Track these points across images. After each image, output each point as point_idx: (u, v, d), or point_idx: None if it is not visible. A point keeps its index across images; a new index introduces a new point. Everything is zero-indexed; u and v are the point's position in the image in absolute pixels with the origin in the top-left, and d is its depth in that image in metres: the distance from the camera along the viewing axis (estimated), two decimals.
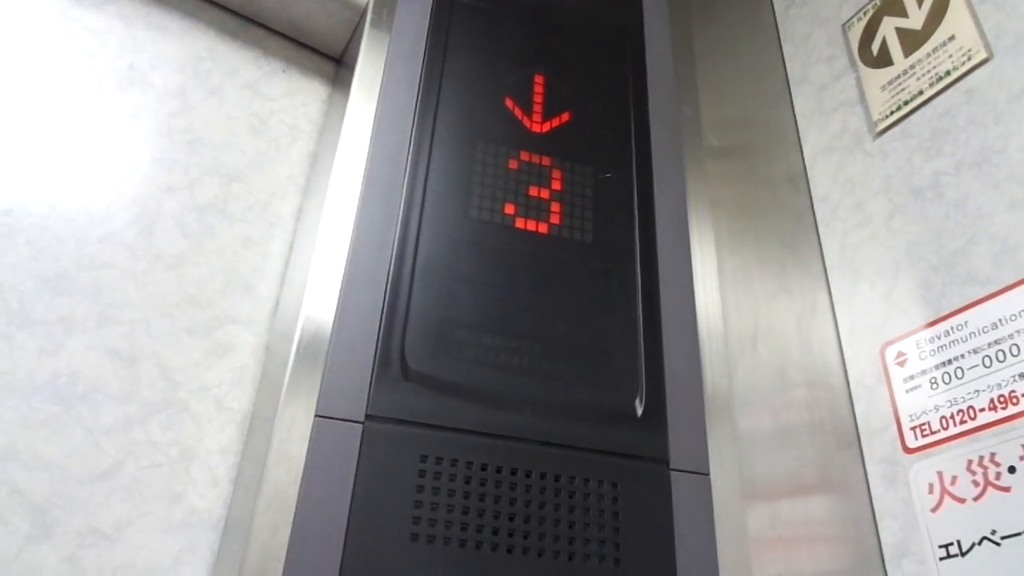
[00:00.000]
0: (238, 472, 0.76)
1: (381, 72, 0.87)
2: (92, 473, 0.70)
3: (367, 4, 0.95)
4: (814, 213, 1.05)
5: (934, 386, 0.84)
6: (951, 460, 0.80)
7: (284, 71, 0.99)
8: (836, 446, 0.89)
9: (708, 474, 0.77)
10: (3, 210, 0.75)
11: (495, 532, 0.67)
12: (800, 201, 1.06)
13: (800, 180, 1.08)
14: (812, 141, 1.09)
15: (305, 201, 0.92)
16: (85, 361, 0.74)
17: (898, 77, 0.98)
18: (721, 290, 0.92)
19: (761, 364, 0.93)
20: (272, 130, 0.94)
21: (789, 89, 1.15)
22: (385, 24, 0.91)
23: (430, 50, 0.91)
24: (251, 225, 0.88)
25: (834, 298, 0.98)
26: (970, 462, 0.78)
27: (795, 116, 1.13)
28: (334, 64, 1.04)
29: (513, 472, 0.71)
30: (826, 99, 1.09)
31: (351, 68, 0.90)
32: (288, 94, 0.98)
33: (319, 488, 0.65)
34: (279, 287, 0.86)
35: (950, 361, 0.83)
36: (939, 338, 0.85)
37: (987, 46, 0.89)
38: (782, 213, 1.06)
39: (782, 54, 1.19)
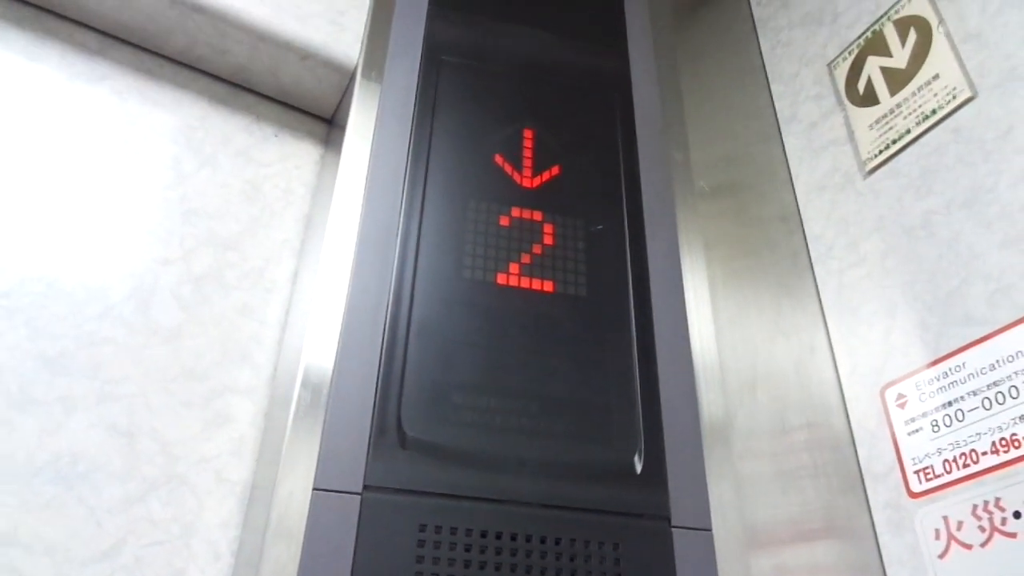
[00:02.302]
0: (239, 545, 0.76)
1: (371, 132, 0.88)
2: (94, 554, 0.71)
3: (356, 66, 0.96)
4: (809, 253, 1.05)
5: (935, 429, 0.83)
6: (956, 505, 0.79)
7: (276, 136, 1.00)
8: (840, 490, 0.89)
9: (710, 529, 0.77)
10: (1, 292, 0.76)
11: None
12: (795, 241, 1.06)
13: (793, 219, 1.08)
14: (804, 180, 1.10)
15: (301, 265, 0.93)
16: (86, 440, 0.74)
17: (885, 116, 0.99)
18: (717, 336, 0.92)
19: (761, 409, 0.93)
20: (266, 196, 0.95)
21: (779, 128, 1.16)
22: (374, 84, 0.92)
23: (419, 109, 0.92)
24: (247, 293, 0.88)
25: (832, 339, 0.98)
26: (975, 507, 0.77)
27: (786, 155, 1.13)
28: (326, 125, 1.06)
29: (513, 538, 0.70)
30: (816, 137, 1.10)
31: (342, 129, 0.92)
32: (281, 158, 0.99)
33: (319, 563, 0.65)
34: (277, 354, 0.87)
35: (950, 403, 0.82)
36: (938, 379, 0.84)
37: (971, 85, 0.90)
38: (777, 253, 1.06)
39: (771, 94, 1.19)
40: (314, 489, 0.68)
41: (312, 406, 0.72)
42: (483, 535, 0.70)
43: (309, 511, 0.67)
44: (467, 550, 0.69)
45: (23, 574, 0.68)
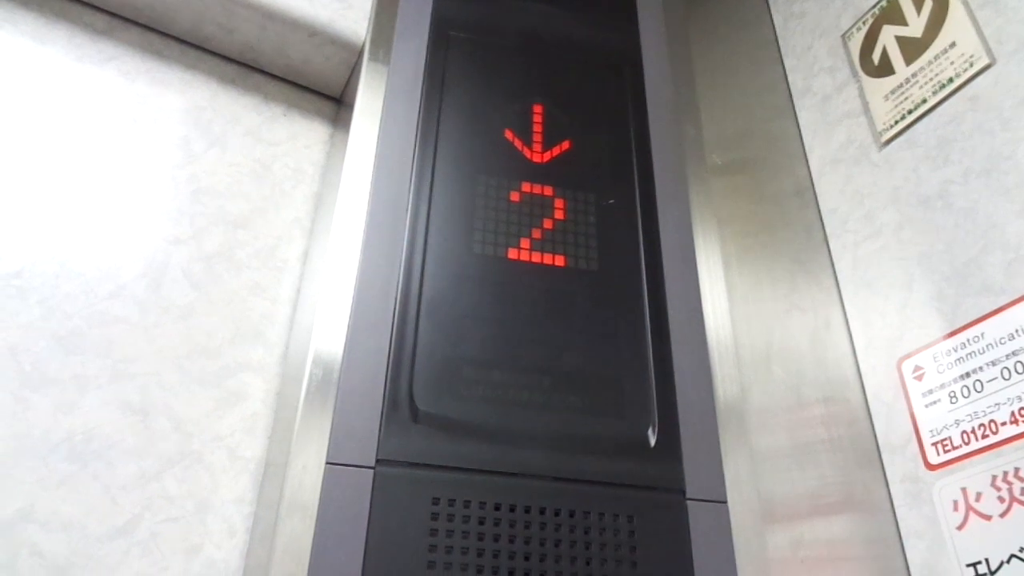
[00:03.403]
0: (254, 521, 0.76)
1: (380, 110, 0.87)
2: (110, 530, 0.71)
3: (364, 44, 0.96)
4: (823, 227, 1.04)
5: (953, 400, 0.82)
6: (975, 476, 0.78)
7: (285, 115, 0.99)
8: (856, 464, 0.88)
9: (725, 502, 0.76)
10: (14, 272, 0.77)
11: (511, 573, 0.67)
12: (809, 215, 1.05)
13: (807, 193, 1.07)
14: (818, 153, 1.08)
15: (311, 243, 0.93)
16: (100, 417, 0.75)
17: (900, 86, 0.97)
18: (732, 310, 0.91)
19: (776, 383, 0.92)
20: (275, 174, 0.95)
21: (792, 102, 1.14)
22: (382, 62, 0.91)
23: (428, 86, 0.91)
24: (258, 271, 0.88)
25: (848, 313, 0.97)
26: (994, 478, 0.76)
27: (799, 129, 1.12)
28: (334, 104, 1.05)
29: (527, 510, 0.70)
30: (830, 110, 1.08)
31: (351, 107, 0.91)
32: (290, 137, 0.98)
33: (333, 536, 0.65)
34: (288, 332, 0.87)
35: (968, 374, 0.81)
36: (956, 350, 0.83)
37: (989, 52, 0.88)
38: (791, 228, 1.05)
39: (784, 67, 1.18)
40: (327, 463, 0.68)
41: (324, 382, 0.72)
42: (496, 508, 0.69)
43: (322, 485, 0.66)
44: (481, 523, 0.68)
45: (40, 550, 0.68)
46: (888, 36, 1.01)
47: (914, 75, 0.96)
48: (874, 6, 1.05)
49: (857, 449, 0.88)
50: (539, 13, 1.03)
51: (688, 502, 0.75)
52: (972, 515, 0.77)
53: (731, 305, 0.92)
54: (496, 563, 0.67)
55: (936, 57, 0.94)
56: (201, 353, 0.81)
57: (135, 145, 0.88)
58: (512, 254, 0.84)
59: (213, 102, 0.95)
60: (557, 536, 0.70)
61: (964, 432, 0.80)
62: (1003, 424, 0.77)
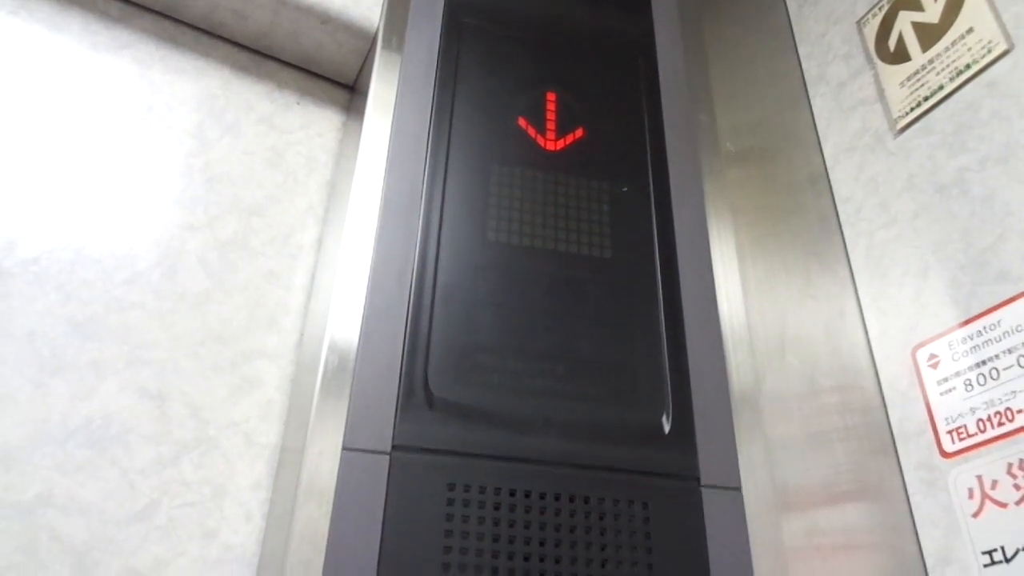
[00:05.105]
0: (270, 506, 0.77)
1: (393, 98, 0.87)
2: (128, 514, 0.72)
3: (377, 31, 0.96)
4: (838, 215, 1.03)
5: (969, 388, 0.82)
6: (991, 464, 0.78)
7: (298, 103, 0.99)
8: (871, 452, 0.88)
9: (740, 488, 0.76)
10: (31, 258, 0.77)
11: (527, 559, 0.67)
12: (823, 203, 1.05)
13: (822, 182, 1.06)
14: (832, 141, 1.08)
15: (325, 231, 0.93)
16: (117, 403, 0.75)
17: (917, 72, 0.97)
18: (746, 299, 0.91)
19: (790, 372, 0.92)
20: (289, 162, 0.95)
21: (806, 90, 1.14)
22: (395, 50, 0.91)
23: (441, 74, 0.91)
24: (272, 259, 0.89)
25: (862, 301, 0.96)
26: (1010, 465, 0.76)
27: (813, 117, 1.11)
28: (347, 92, 1.05)
29: (542, 496, 0.70)
30: (844, 98, 1.08)
31: (364, 95, 0.91)
32: (303, 126, 0.98)
33: (350, 522, 0.65)
34: (303, 319, 0.87)
35: (984, 362, 0.81)
36: (972, 338, 0.83)
37: (1007, 37, 0.87)
38: (805, 217, 1.04)
39: (798, 54, 1.17)
40: (343, 449, 0.68)
41: (340, 369, 0.72)
42: (512, 494, 0.70)
43: (339, 470, 0.67)
44: (496, 508, 0.69)
45: (59, 535, 0.69)
46: (904, 22, 1.01)
47: (931, 61, 0.95)
48: None
49: (872, 437, 0.88)
50: (553, 0, 1.02)
51: (703, 489, 0.75)
52: (988, 503, 0.77)
53: (745, 293, 0.91)
54: (512, 548, 0.67)
55: (953, 43, 0.93)
56: (216, 340, 0.82)
57: (150, 133, 0.88)
58: (526, 241, 0.84)
59: (226, 90, 0.95)
60: (572, 522, 0.70)
61: (980, 420, 0.80)
62: (1019, 412, 0.76)
